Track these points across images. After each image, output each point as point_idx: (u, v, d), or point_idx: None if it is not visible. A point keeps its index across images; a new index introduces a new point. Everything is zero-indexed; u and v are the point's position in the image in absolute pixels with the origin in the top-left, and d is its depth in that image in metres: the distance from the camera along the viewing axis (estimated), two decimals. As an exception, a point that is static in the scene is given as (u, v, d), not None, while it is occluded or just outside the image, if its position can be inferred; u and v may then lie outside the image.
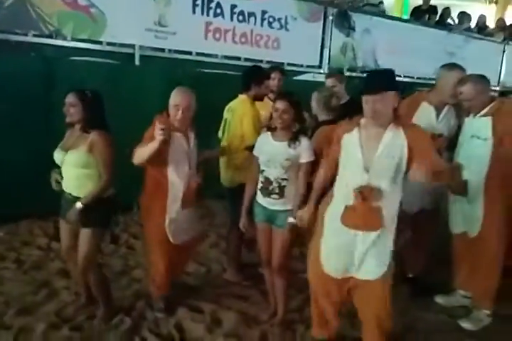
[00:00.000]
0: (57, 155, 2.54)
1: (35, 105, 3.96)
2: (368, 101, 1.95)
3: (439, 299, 3.09)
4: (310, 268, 2.26)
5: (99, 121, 2.53)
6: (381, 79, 2.02)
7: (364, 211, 1.99)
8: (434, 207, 3.04)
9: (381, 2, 7.01)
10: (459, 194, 2.77)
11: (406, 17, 8.92)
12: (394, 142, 1.96)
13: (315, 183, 2.39)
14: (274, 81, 3.70)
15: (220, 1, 5.05)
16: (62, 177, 2.57)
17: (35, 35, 4.08)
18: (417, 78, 7.01)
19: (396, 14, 9.66)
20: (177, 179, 2.63)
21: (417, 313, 2.95)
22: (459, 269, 2.96)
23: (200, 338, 2.63)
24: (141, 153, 2.44)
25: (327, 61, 6.14)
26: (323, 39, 6.05)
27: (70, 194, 2.54)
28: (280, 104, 2.51)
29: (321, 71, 6.06)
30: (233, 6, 5.18)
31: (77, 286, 2.89)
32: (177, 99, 2.58)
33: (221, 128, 3.35)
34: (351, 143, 2.03)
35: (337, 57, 6.25)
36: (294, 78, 5.79)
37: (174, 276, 2.98)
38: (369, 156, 1.97)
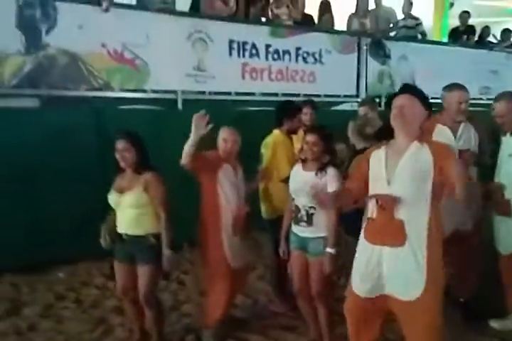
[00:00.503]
0: (112, 198, 2.70)
1: (88, 153, 4.28)
2: (396, 107, 1.95)
3: (493, 323, 2.95)
4: (347, 293, 2.17)
5: (148, 162, 2.72)
6: (413, 88, 2.07)
7: (384, 222, 1.93)
8: (471, 228, 2.94)
9: (419, 24, 7.00)
10: (503, 214, 2.67)
11: (446, 40, 8.86)
12: (418, 156, 1.92)
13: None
14: (306, 115, 3.79)
15: (255, 42, 5.33)
16: (109, 234, 2.73)
17: (86, 89, 4.48)
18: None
19: (435, 37, 9.61)
20: (226, 207, 2.83)
21: (470, 338, 2.83)
22: (510, 292, 2.81)
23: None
24: (185, 150, 2.60)
25: (364, 90, 6.21)
26: (358, 69, 6.15)
27: (126, 234, 2.68)
28: (310, 137, 2.68)
29: (359, 100, 6.10)
30: (268, 46, 5.43)
31: (132, 323, 2.98)
32: (225, 134, 2.89)
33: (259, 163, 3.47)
34: (377, 159, 2.04)
35: (374, 85, 6.31)
36: (332, 108, 5.89)
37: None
38: (392, 170, 1.95)
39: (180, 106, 4.94)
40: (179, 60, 4.87)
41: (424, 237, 1.90)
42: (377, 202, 1.96)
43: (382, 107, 5.99)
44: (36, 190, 4.12)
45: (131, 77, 4.67)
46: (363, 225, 2.09)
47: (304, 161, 2.75)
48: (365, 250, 2.03)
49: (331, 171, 2.62)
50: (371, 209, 2.01)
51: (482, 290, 3.08)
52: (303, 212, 2.63)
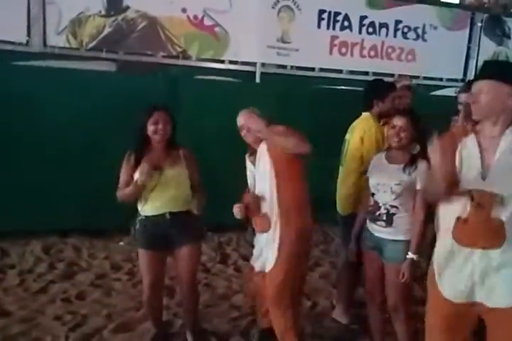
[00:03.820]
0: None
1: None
2: (472, 95, 1.68)
3: None
4: (428, 295, 1.88)
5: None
6: (497, 68, 1.70)
7: (480, 222, 1.66)
8: None
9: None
10: None
11: None
12: None
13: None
14: (400, 98, 3.22)
15: (348, 13, 4.80)
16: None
17: (163, 56, 4.29)
18: None
19: None
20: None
21: None
22: None
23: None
24: None
25: (473, 74, 5.40)
26: (469, 49, 5.37)
27: (170, 212, 2.43)
28: (398, 121, 2.30)
29: (466, 85, 5.35)
30: (362, 18, 4.88)
31: (153, 319, 2.68)
32: (239, 122, 2.39)
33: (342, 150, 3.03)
34: (469, 147, 1.75)
35: (486, 68, 5.46)
36: (432, 93, 5.19)
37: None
38: (487, 162, 1.69)
39: (258, 79, 4.61)
40: (262, 29, 4.55)
41: None
42: (472, 199, 1.67)
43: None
44: (107, 153, 4.02)
45: (209, 46, 4.43)
46: (447, 224, 1.77)
47: (388, 150, 2.39)
48: (452, 252, 1.76)
49: (422, 166, 2.22)
50: (462, 207, 1.71)
51: None
52: (383, 211, 2.30)
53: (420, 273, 2.42)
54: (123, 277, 3.50)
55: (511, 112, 1.66)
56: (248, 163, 2.48)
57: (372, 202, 2.36)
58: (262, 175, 2.30)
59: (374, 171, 2.39)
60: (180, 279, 2.55)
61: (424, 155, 2.25)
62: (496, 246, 1.66)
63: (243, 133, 2.39)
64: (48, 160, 3.97)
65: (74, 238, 4.17)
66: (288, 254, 2.22)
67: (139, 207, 2.47)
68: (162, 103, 2.52)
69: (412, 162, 2.25)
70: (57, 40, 3.95)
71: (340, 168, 2.96)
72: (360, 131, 2.83)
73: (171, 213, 2.43)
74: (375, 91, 2.94)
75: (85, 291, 3.23)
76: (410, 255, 2.23)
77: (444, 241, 1.78)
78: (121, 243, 4.16)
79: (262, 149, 2.30)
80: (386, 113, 2.90)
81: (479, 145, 1.73)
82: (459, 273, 1.75)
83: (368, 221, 2.41)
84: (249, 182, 2.50)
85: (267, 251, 2.32)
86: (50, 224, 4.07)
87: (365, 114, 2.93)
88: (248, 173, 2.50)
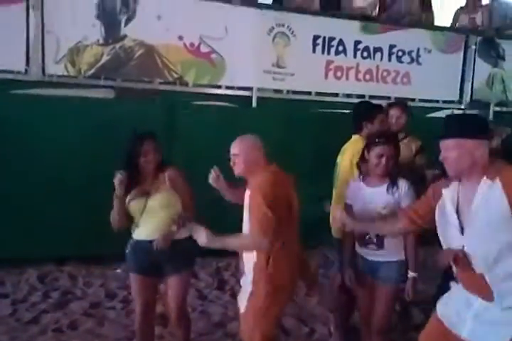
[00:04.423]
0: (135, 204, 2.40)
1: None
2: (442, 156, 1.70)
3: None
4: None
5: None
6: (458, 125, 1.71)
7: (466, 276, 1.68)
8: None
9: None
10: None
11: None
12: (490, 196, 1.60)
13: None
14: (392, 119, 3.21)
15: (342, 38, 4.85)
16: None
17: (160, 83, 4.34)
18: None
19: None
20: None
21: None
22: None
23: None
24: None
25: (469, 95, 5.42)
26: (463, 71, 5.39)
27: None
28: (386, 150, 2.28)
29: (462, 107, 5.36)
30: (357, 42, 4.92)
31: None
32: (231, 149, 2.24)
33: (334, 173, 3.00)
34: (447, 199, 1.74)
35: (482, 90, 5.50)
36: (428, 115, 5.19)
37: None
38: (465, 215, 1.67)
39: (254, 104, 4.63)
40: (257, 55, 4.58)
41: None
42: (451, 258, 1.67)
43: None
44: (103, 180, 4.01)
45: (206, 72, 4.46)
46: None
47: (364, 175, 2.39)
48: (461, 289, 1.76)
49: (403, 185, 2.27)
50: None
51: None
52: (372, 234, 2.29)
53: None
54: (117, 305, 3.43)
55: (483, 164, 1.64)
56: None
57: None
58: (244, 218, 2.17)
59: (355, 197, 2.37)
60: (169, 308, 2.51)
61: (401, 174, 2.33)
62: (488, 300, 1.63)
63: (232, 163, 2.20)
64: (45, 188, 3.93)
65: (70, 266, 4.11)
66: (255, 306, 2.06)
67: (132, 230, 2.47)
68: (149, 130, 2.50)
69: (393, 183, 2.26)
70: (56, 69, 3.99)
71: (333, 191, 2.93)
72: (350, 154, 2.81)
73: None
74: (363, 114, 2.95)
75: (78, 321, 3.15)
76: (412, 274, 2.26)
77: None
78: (117, 270, 4.10)
79: (246, 194, 2.13)
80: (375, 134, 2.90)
81: (459, 196, 1.71)
82: (456, 306, 1.74)
83: (357, 246, 2.38)
84: None
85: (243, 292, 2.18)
86: (47, 252, 4.00)
87: (355, 137, 2.93)
88: None
